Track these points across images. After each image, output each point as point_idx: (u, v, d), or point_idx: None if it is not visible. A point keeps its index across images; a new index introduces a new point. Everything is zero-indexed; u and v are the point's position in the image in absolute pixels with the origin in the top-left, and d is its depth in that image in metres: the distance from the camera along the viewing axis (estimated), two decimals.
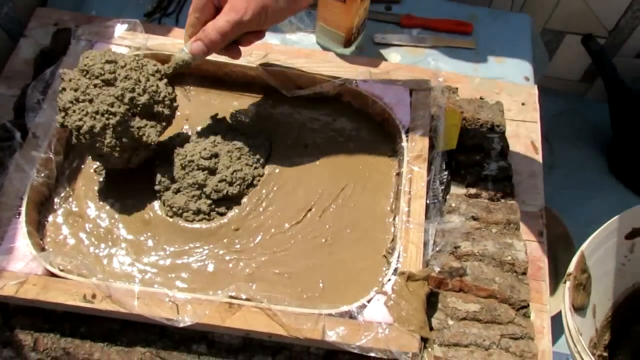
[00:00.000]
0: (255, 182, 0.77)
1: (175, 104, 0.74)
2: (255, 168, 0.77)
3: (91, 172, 0.77)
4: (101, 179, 0.76)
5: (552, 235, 1.23)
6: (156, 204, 0.75)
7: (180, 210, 0.73)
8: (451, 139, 0.81)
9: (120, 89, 0.69)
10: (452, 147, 0.81)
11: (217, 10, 0.70)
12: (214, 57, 0.82)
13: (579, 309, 0.76)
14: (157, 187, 0.75)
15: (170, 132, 0.77)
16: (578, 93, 1.55)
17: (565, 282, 0.73)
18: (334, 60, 0.91)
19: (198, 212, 0.74)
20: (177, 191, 0.74)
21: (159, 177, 0.75)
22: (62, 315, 0.69)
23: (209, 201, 0.74)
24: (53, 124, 0.75)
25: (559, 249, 1.26)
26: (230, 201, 0.75)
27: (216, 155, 0.75)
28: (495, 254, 0.75)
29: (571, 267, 0.74)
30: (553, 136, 1.49)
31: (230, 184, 0.75)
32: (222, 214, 0.75)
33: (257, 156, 0.78)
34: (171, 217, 0.74)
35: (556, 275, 1.27)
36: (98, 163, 0.76)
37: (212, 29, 0.69)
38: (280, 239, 0.73)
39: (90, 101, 0.68)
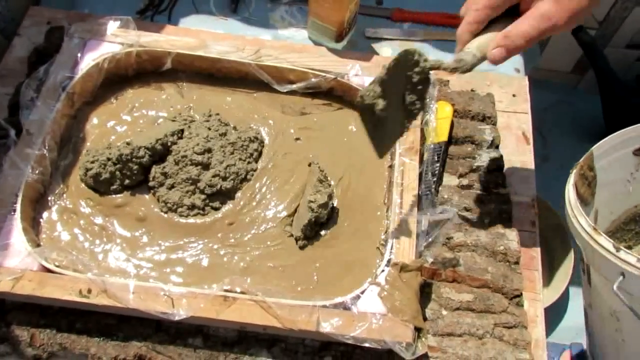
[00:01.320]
0: (248, 176, 0.77)
1: None
2: (249, 162, 0.77)
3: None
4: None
5: (546, 227, 1.24)
6: (151, 199, 0.75)
7: (175, 206, 0.73)
8: (443, 130, 0.81)
9: None
10: (443, 139, 0.81)
11: (509, 10, 0.63)
12: (205, 52, 0.82)
13: (581, 201, 0.74)
14: (151, 183, 0.75)
15: (163, 128, 0.77)
16: (570, 84, 1.55)
17: (572, 172, 0.73)
18: (326, 54, 0.91)
19: (192, 207, 0.73)
20: (171, 187, 0.74)
21: (153, 172, 0.75)
22: (58, 310, 0.68)
23: (203, 196, 0.74)
24: (47, 121, 0.75)
25: (553, 240, 1.26)
26: (224, 196, 0.75)
27: (209, 151, 0.75)
28: (488, 244, 0.75)
29: (580, 160, 0.73)
30: (546, 128, 1.49)
31: (224, 178, 0.75)
32: (216, 209, 0.74)
33: (250, 151, 0.78)
34: (165, 212, 0.74)
35: (551, 267, 1.27)
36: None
37: (520, 36, 0.60)
38: (274, 233, 0.73)
39: None
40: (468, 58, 0.63)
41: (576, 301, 1.28)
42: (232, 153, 0.76)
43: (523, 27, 0.60)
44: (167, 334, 0.68)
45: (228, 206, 0.75)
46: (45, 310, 0.69)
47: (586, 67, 1.48)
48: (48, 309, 0.69)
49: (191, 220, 0.73)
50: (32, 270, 0.66)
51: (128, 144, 0.75)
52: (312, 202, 0.71)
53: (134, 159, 0.73)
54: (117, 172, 0.74)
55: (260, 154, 0.79)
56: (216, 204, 0.75)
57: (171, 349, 0.67)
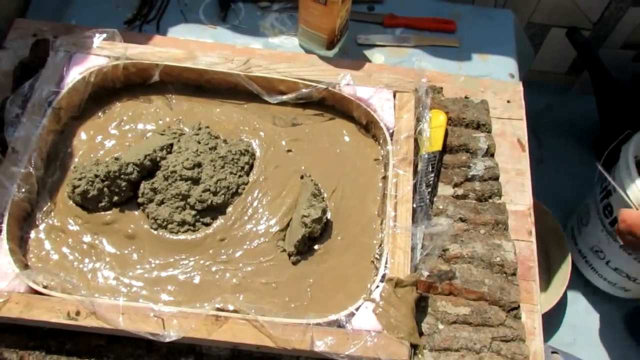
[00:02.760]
0: (240, 190, 0.76)
1: None
2: (240, 176, 0.76)
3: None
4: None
5: (543, 230, 1.23)
6: (140, 216, 0.73)
7: (165, 222, 0.72)
8: (436, 140, 0.80)
9: None
10: (437, 149, 0.80)
11: None
12: (193, 64, 0.81)
13: None
14: (140, 200, 0.73)
15: (151, 142, 0.76)
16: (565, 86, 1.54)
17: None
18: (317, 63, 0.89)
19: (183, 223, 0.72)
20: (161, 203, 0.73)
21: (142, 188, 0.73)
22: (47, 332, 0.67)
23: (193, 212, 0.73)
24: (32, 138, 0.73)
25: (550, 243, 1.25)
26: (215, 211, 0.74)
27: (199, 165, 0.74)
28: (484, 256, 0.74)
29: None
30: (541, 130, 1.48)
31: (215, 193, 0.73)
32: (207, 225, 0.73)
33: (241, 164, 0.76)
34: (155, 229, 0.72)
35: (548, 271, 1.26)
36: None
37: None
38: (266, 248, 0.72)
39: None
40: None
41: (574, 306, 1.27)
42: (223, 167, 0.75)
43: None
44: (159, 354, 0.67)
45: (219, 221, 0.73)
46: (34, 331, 0.67)
47: (581, 68, 1.47)
48: (37, 330, 0.67)
49: (182, 236, 0.72)
50: (20, 292, 0.65)
51: (117, 159, 0.74)
52: (305, 216, 0.70)
53: (122, 176, 0.72)
54: (105, 189, 0.72)
55: (251, 167, 0.77)
56: (207, 220, 0.73)
57: None
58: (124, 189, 0.73)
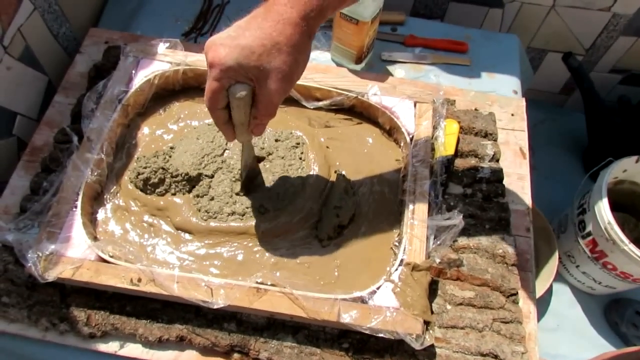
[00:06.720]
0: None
1: None
2: (302, 168, 0.76)
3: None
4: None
5: (534, 229, 1.21)
6: (190, 207, 0.73)
7: (215, 214, 0.72)
8: (450, 145, 0.80)
9: None
10: (450, 153, 0.80)
11: None
12: None
13: None
14: (194, 192, 0.73)
15: (202, 134, 0.77)
16: (558, 104, 1.53)
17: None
18: (347, 75, 0.90)
19: (232, 213, 0.72)
20: (212, 199, 0.73)
21: (200, 185, 0.73)
22: (111, 295, 0.68)
23: (242, 205, 0.72)
24: (104, 129, 0.75)
25: (539, 241, 1.24)
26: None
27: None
28: (488, 247, 0.74)
29: None
30: (535, 142, 1.45)
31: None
32: (252, 216, 0.72)
33: (298, 154, 0.76)
34: (205, 220, 0.71)
35: (537, 265, 1.25)
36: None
37: (267, 115, 0.59)
38: (301, 233, 0.72)
39: None
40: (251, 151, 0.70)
41: (559, 296, 1.26)
42: (288, 167, 0.75)
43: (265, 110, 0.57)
44: (205, 319, 0.68)
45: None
46: (100, 294, 0.68)
47: (572, 88, 1.45)
48: (103, 293, 0.68)
49: (231, 224, 0.71)
50: (90, 260, 0.66)
51: (172, 148, 0.74)
52: (337, 207, 0.70)
53: (190, 178, 0.73)
54: (167, 180, 0.73)
55: (304, 154, 0.77)
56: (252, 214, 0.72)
57: (209, 332, 0.67)
58: (185, 184, 0.74)
